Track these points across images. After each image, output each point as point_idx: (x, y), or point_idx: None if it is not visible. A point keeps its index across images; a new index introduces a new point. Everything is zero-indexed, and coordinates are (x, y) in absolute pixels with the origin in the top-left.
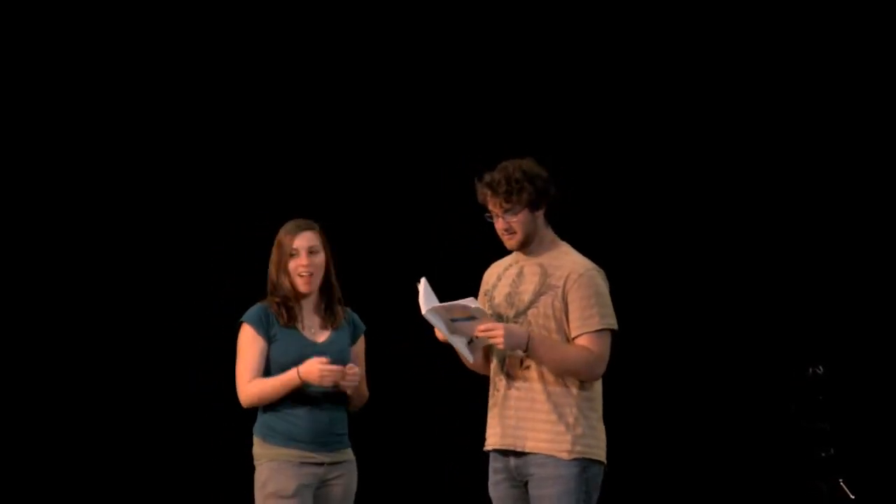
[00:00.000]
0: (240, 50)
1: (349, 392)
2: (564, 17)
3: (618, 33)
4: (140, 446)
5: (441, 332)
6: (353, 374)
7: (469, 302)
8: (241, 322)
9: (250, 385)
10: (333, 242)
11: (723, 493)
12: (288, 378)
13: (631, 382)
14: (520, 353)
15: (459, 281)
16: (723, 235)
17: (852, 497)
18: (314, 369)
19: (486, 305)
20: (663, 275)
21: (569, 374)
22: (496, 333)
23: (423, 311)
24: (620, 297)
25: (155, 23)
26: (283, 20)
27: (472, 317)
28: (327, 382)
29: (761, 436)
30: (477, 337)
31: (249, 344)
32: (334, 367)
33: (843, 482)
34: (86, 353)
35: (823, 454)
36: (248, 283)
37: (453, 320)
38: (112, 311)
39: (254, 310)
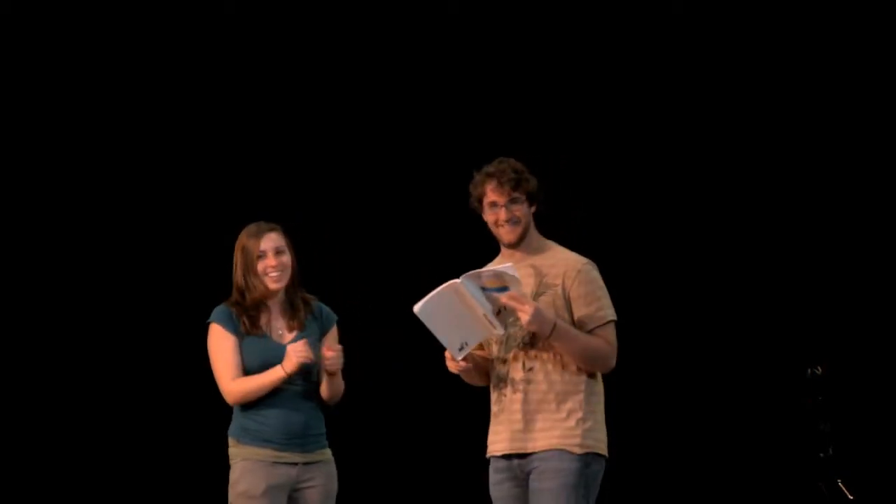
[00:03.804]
0: (230, 57)
1: (332, 373)
2: (562, 20)
3: (611, 33)
4: (126, 447)
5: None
6: (331, 356)
7: (507, 269)
8: (209, 322)
9: (234, 384)
10: (323, 241)
11: (723, 493)
12: (273, 374)
13: (631, 382)
14: (520, 349)
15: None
16: (723, 236)
17: (851, 497)
18: (291, 357)
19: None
20: (663, 275)
21: (589, 363)
22: (525, 308)
23: (459, 278)
24: (622, 297)
25: (152, 29)
26: (266, 26)
27: (504, 287)
28: (303, 359)
29: (761, 436)
30: (504, 308)
31: (222, 342)
32: (303, 344)
33: (841, 483)
34: (81, 357)
35: (822, 454)
36: (222, 284)
37: (483, 288)
38: (109, 314)
39: (219, 310)
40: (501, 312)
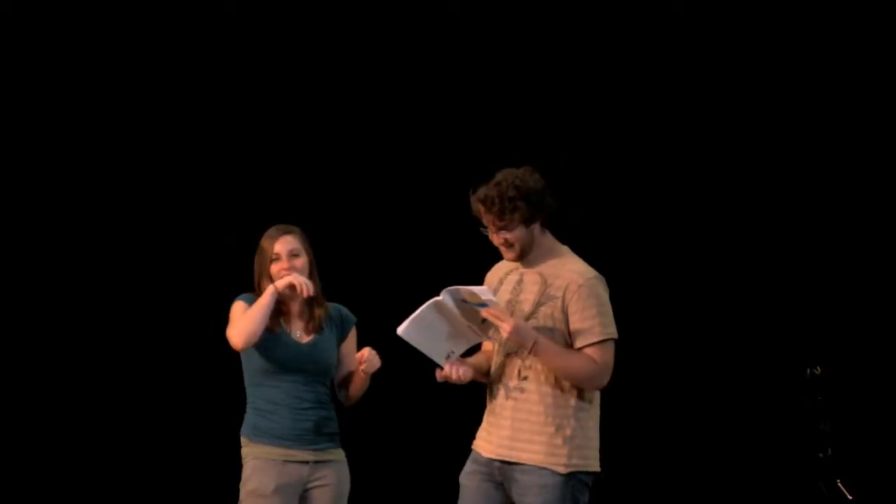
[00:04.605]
0: (226, 55)
1: (368, 372)
2: (563, 20)
3: (611, 33)
4: (135, 447)
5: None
6: (366, 357)
7: (481, 291)
8: (235, 300)
9: (238, 324)
10: (328, 241)
11: (723, 494)
12: (266, 292)
13: (631, 382)
14: (518, 356)
15: (455, 280)
16: (723, 235)
17: (850, 497)
18: (287, 277)
19: None
20: (664, 275)
21: (573, 381)
22: (505, 325)
23: (440, 294)
24: (621, 298)
25: (150, 28)
26: (270, 26)
27: (484, 304)
28: (299, 284)
29: (761, 436)
30: (483, 321)
31: (242, 309)
32: (307, 281)
33: (840, 483)
34: (81, 356)
35: (822, 455)
36: (241, 285)
37: (464, 301)
38: (105, 312)
39: (245, 295)
40: (486, 321)
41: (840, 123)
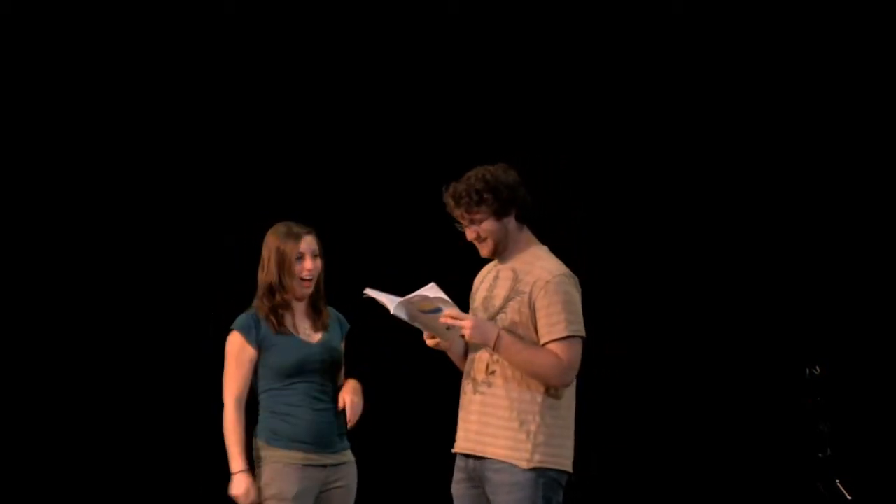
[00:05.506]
0: (225, 56)
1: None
2: (563, 20)
3: (611, 33)
4: (134, 447)
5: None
6: (350, 414)
7: (428, 290)
8: (231, 330)
9: (231, 410)
10: (326, 241)
11: (722, 494)
12: (233, 462)
13: (630, 381)
14: (487, 350)
15: (450, 283)
16: (723, 235)
17: (849, 497)
18: (241, 489)
19: (469, 309)
20: (663, 274)
21: (537, 377)
22: (465, 324)
23: (391, 310)
24: (621, 298)
25: (149, 28)
26: (273, 26)
27: (438, 308)
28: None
29: (760, 436)
30: (449, 327)
31: (238, 354)
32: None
33: (839, 483)
34: (81, 356)
35: (821, 455)
36: (241, 285)
37: (423, 312)
38: (105, 312)
39: (243, 318)
40: (450, 329)
41: (840, 123)
